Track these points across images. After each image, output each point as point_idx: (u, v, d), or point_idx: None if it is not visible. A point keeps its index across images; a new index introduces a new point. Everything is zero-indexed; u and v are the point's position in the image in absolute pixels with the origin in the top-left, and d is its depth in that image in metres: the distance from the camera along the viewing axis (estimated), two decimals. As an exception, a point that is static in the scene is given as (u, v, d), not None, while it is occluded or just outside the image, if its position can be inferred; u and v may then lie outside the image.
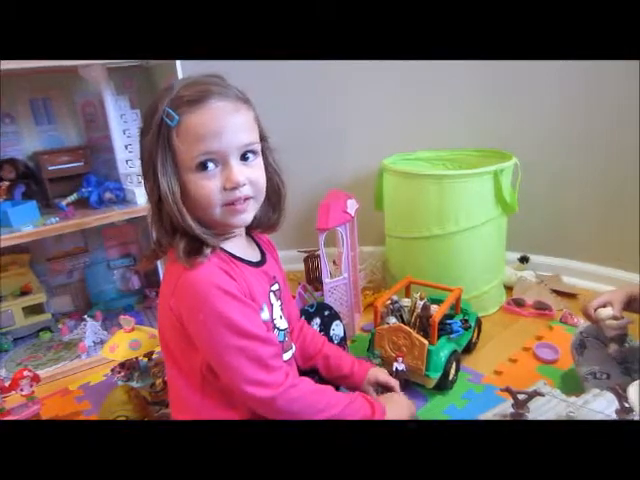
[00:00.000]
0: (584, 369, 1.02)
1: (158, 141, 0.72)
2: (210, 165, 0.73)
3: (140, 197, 1.39)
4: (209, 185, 0.73)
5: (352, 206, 1.36)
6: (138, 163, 1.40)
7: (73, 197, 1.41)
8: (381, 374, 1.01)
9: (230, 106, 0.73)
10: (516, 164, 1.41)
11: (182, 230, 0.74)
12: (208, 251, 0.75)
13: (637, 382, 0.61)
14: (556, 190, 1.60)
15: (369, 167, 1.64)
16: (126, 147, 1.43)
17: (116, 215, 1.37)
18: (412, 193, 1.43)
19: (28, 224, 1.27)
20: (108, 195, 1.42)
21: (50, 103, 1.47)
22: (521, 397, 0.75)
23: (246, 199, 0.76)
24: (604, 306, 0.95)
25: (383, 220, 1.60)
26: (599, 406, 0.74)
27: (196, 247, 0.74)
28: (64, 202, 1.39)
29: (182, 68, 1.35)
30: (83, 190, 1.42)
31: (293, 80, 1.70)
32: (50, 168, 1.43)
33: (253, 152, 0.77)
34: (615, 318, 0.93)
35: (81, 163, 1.47)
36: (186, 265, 0.74)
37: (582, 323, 1.38)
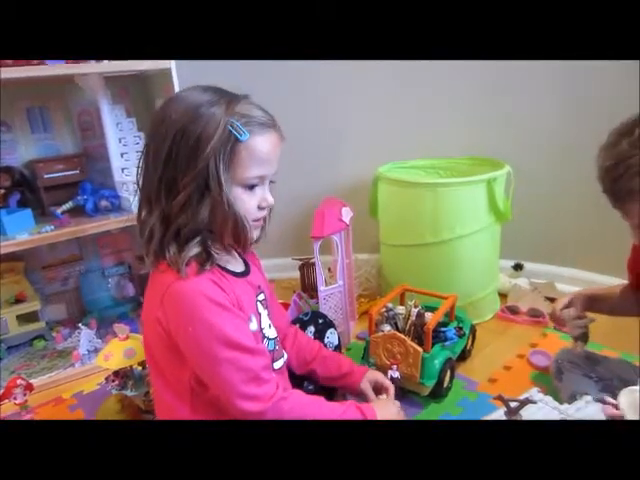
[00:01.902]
0: (565, 394, 1.02)
1: (222, 151, 0.73)
2: (256, 185, 0.78)
3: (136, 205, 1.38)
4: (251, 202, 0.78)
5: (347, 214, 1.37)
6: (134, 171, 1.42)
7: (68, 205, 1.41)
8: (380, 375, 1.03)
9: (280, 137, 0.80)
10: (509, 172, 1.43)
11: (199, 240, 0.76)
12: (208, 266, 0.76)
13: (627, 389, 0.61)
14: (550, 198, 1.62)
15: (364, 175, 1.65)
16: (122, 155, 1.44)
17: (111, 223, 1.36)
18: (406, 201, 1.44)
19: (23, 232, 1.26)
20: (104, 203, 1.41)
21: (47, 111, 1.48)
22: (513, 405, 0.76)
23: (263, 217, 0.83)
24: (568, 306, 1.02)
25: (378, 228, 1.61)
26: (591, 413, 0.74)
27: (203, 259, 0.76)
28: (59, 210, 1.39)
29: (178, 78, 1.36)
30: (79, 198, 1.42)
31: (288, 87, 1.71)
32: (46, 176, 1.43)
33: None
34: (579, 317, 1.00)
35: (77, 171, 1.47)
36: (181, 275, 0.73)
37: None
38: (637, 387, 0.60)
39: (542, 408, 0.78)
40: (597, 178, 0.78)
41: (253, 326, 0.82)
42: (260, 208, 0.80)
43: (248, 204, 0.77)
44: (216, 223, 0.76)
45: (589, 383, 1.00)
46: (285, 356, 0.94)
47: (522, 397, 0.78)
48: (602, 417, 0.70)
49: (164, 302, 0.75)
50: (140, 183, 0.81)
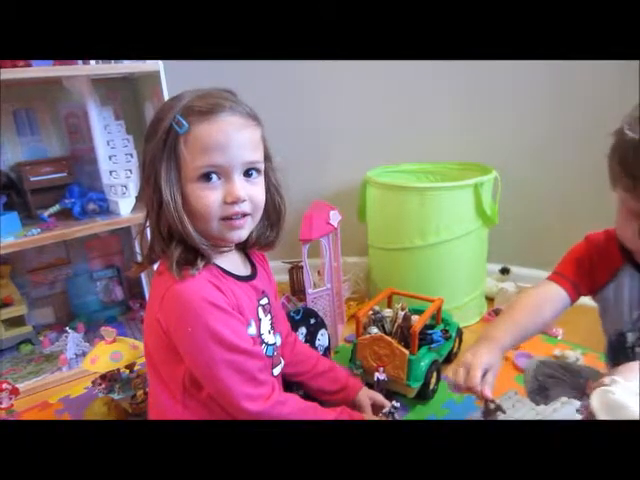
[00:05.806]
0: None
1: (164, 148, 0.72)
2: (213, 177, 0.73)
3: (123, 208, 1.38)
4: (210, 197, 0.73)
5: (335, 217, 1.38)
6: (122, 174, 1.42)
7: (55, 208, 1.40)
8: (379, 396, 1.02)
9: (240, 121, 0.74)
10: (496, 177, 1.44)
11: (179, 239, 0.74)
12: (201, 264, 0.75)
13: (600, 390, 0.62)
14: (536, 202, 1.64)
15: (352, 179, 1.66)
16: (110, 158, 1.43)
17: (99, 226, 1.36)
18: (394, 205, 1.45)
19: (9, 235, 1.25)
20: (91, 206, 1.41)
21: (33, 114, 1.47)
22: (492, 406, 0.76)
23: (244, 215, 0.76)
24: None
25: (366, 231, 1.62)
26: (567, 413, 0.75)
27: (190, 258, 0.74)
28: (46, 213, 1.38)
29: (166, 80, 1.36)
30: (66, 201, 1.41)
31: (276, 91, 1.71)
32: (32, 179, 1.41)
33: (257, 170, 0.77)
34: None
35: (64, 174, 1.46)
36: (176, 276, 0.73)
37: (560, 335, 1.41)
38: (611, 388, 0.61)
39: (519, 410, 0.79)
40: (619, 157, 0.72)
41: (252, 331, 0.81)
42: (227, 203, 0.74)
43: (207, 199, 0.73)
44: (178, 223, 0.73)
45: (575, 395, 0.93)
46: (282, 363, 0.93)
47: (498, 400, 0.79)
48: (577, 416, 0.71)
49: (163, 304, 0.75)
50: None
